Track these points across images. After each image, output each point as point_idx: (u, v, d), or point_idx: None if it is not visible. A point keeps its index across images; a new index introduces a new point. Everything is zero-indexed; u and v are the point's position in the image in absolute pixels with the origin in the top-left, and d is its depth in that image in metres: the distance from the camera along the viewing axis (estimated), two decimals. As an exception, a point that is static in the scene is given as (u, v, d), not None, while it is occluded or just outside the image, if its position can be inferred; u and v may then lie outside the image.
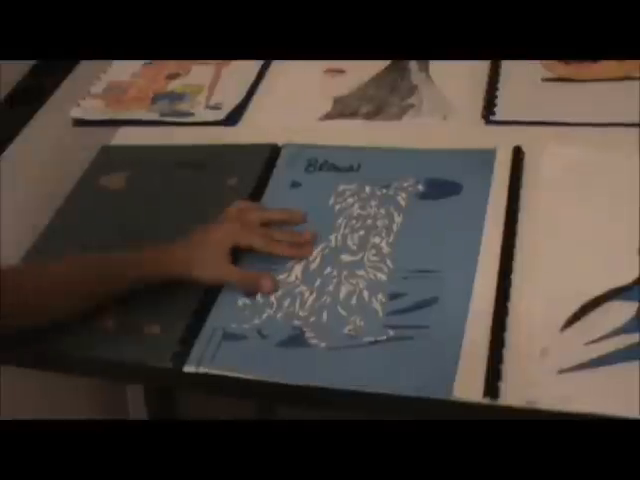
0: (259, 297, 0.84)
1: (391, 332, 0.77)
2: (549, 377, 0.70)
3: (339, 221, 0.90)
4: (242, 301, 0.84)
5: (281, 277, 0.85)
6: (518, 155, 0.91)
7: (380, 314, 0.79)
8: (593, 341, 0.71)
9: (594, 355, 0.70)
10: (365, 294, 0.81)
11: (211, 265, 0.85)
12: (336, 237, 0.88)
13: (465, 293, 0.78)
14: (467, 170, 0.91)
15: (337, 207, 0.92)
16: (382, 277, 0.82)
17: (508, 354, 0.72)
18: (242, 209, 0.91)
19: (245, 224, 0.89)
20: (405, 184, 0.91)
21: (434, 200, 0.89)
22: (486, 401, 0.69)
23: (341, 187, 0.94)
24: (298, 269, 0.86)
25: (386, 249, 0.85)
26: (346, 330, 0.78)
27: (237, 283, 0.85)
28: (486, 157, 0.92)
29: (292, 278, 0.85)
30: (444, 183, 0.88)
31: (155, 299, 0.86)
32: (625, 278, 0.75)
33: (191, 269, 0.84)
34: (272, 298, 0.83)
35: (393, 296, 0.80)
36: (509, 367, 0.71)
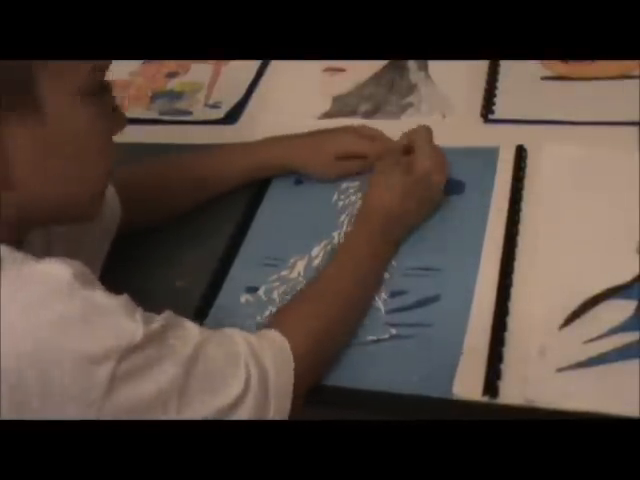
0: (261, 293, 0.84)
1: (393, 330, 0.77)
2: (548, 375, 0.70)
3: (342, 218, 0.90)
4: (245, 297, 0.84)
5: (283, 273, 0.85)
6: (521, 154, 0.91)
7: (382, 312, 0.79)
8: (592, 339, 0.71)
9: (593, 353, 0.70)
10: None
11: (322, 166, 0.93)
12: (339, 234, 0.88)
13: (467, 291, 0.78)
14: (470, 169, 0.91)
15: (340, 204, 0.92)
16: (385, 274, 0.82)
17: (507, 352, 0.72)
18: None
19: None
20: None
21: None
22: (485, 399, 0.69)
23: (344, 184, 0.94)
24: (301, 265, 0.86)
25: None
26: None
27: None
28: (489, 156, 0.92)
29: (294, 274, 0.85)
30: (447, 181, 0.89)
31: (158, 295, 0.86)
32: (624, 276, 0.75)
33: (301, 163, 0.94)
34: (274, 295, 0.83)
35: (395, 293, 0.81)
36: (508, 365, 0.71)
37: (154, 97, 1.17)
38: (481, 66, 1.05)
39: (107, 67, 0.66)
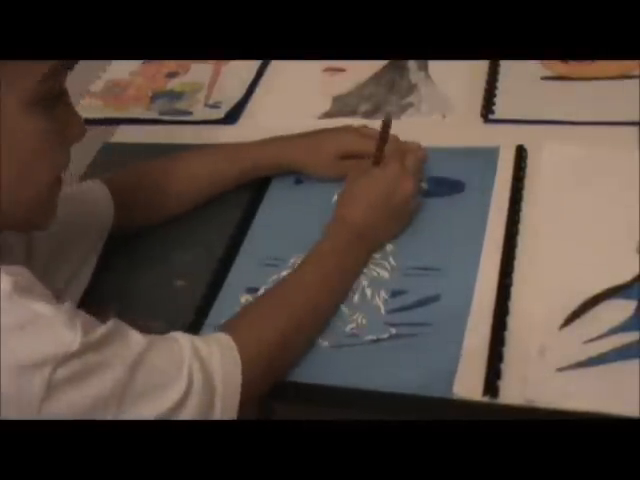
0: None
1: (393, 330, 0.77)
2: (548, 375, 0.70)
3: None
4: (245, 298, 0.84)
5: (284, 274, 0.85)
6: (521, 154, 0.91)
7: (382, 311, 0.79)
8: (592, 339, 0.71)
9: (593, 353, 0.70)
10: (368, 291, 0.81)
11: (323, 164, 0.93)
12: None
13: (467, 291, 0.78)
14: (470, 169, 0.91)
15: None
16: (384, 274, 0.83)
17: (507, 352, 0.72)
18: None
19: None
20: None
21: (437, 198, 0.90)
22: (486, 399, 0.69)
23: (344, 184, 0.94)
24: (300, 266, 0.85)
25: (388, 246, 0.85)
26: (349, 328, 0.78)
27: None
28: (489, 155, 0.92)
29: (294, 276, 0.85)
30: (447, 181, 0.89)
31: (158, 295, 0.86)
32: (624, 276, 0.75)
33: (308, 164, 0.93)
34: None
35: (395, 293, 0.81)
36: (508, 365, 0.71)
37: (154, 97, 1.17)
38: (481, 66, 1.05)
39: (64, 74, 0.66)
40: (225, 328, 0.72)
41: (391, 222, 0.84)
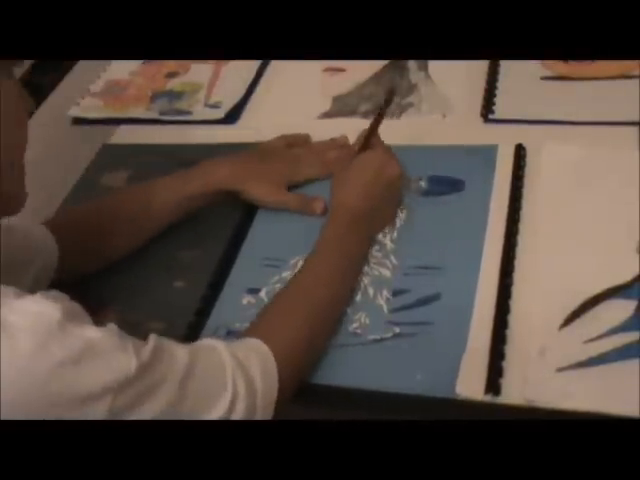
0: (263, 295, 0.84)
1: (396, 329, 0.77)
2: (548, 375, 0.70)
3: None
4: (247, 299, 0.84)
5: (285, 274, 0.85)
6: (520, 153, 0.91)
7: (385, 311, 0.79)
8: (592, 339, 0.71)
9: (593, 353, 0.70)
10: (370, 291, 0.81)
11: (268, 188, 0.91)
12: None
13: (468, 289, 0.78)
14: (470, 167, 0.91)
15: None
16: (386, 273, 0.83)
17: (508, 352, 0.72)
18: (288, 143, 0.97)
19: (298, 159, 0.94)
20: (408, 181, 0.91)
21: (437, 197, 0.90)
22: (487, 399, 0.69)
23: None
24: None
25: (390, 245, 0.85)
26: (352, 328, 0.78)
27: (294, 208, 0.91)
28: (488, 154, 0.92)
29: (296, 275, 0.84)
30: (447, 180, 0.89)
31: (159, 296, 0.86)
32: (624, 276, 0.75)
33: (244, 184, 0.90)
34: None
35: (397, 292, 0.81)
36: (509, 365, 0.71)
37: (154, 97, 1.17)
38: (481, 66, 1.05)
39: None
40: (252, 332, 0.72)
41: (384, 202, 0.86)
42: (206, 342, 0.68)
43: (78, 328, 0.57)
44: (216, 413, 0.63)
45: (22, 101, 0.67)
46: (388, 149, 0.86)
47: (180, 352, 0.63)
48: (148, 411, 0.59)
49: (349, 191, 0.83)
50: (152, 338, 0.62)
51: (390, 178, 0.85)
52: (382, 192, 0.84)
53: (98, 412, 0.56)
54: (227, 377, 0.64)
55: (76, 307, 0.61)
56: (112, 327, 0.60)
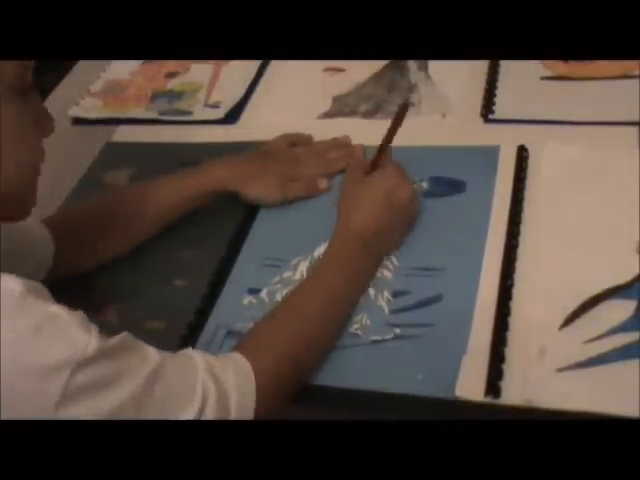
0: (264, 295, 0.84)
1: (397, 330, 0.77)
2: (548, 375, 0.70)
3: None
4: (247, 299, 0.84)
5: (286, 275, 0.85)
6: (522, 154, 0.91)
7: (386, 312, 0.79)
8: (592, 339, 0.71)
9: (593, 353, 0.70)
10: (371, 292, 0.81)
11: (268, 188, 0.92)
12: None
13: (469, 291, 0.78)
14: (471, 168, 0.91)
15: None
16: (387, 274, 0.83)
17: (508, 352, 0.72)
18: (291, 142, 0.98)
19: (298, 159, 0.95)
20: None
21: (438, 198, 0.89)
22: (488, 400, 0.69)
23: None
24: (303, 266, 0.85)
25: None
26: (352, 329, 0.78)
27: (300, 194, 0.92)
28: (490, 155, 0.92)
29: (297, 276, 0.85)
30: (448, 181, 0.89)
31: (159, 294, 0.86)
32: (624, 276, 0.75)
33: (245, 185, 0.91)
34: (277, 297, 0.83)
35: (397, 294, 0.81)
36: (509, 366, 0.71)
37: (154, 97, 1.17)
38: (481, 66, 1.05)
39: (31, 66, 0.65)
40: (239, 347, 0.72)
41: (395, 227, 0.84)
42: (184, 351, 0.69)
43: (41, 301, 0.58)
44: (184, 418, 0.62)
45: (46, 120, 0.69)
46: (400, 169, 0.84)
47: (152, 352, 0.63)
48: (108, 398, 0.58)
49: (357, 211, 0.81)
50: (123, 333, 0.62)
51: (401, 201, 0.82)
52: (391, 215, 0.82)
53: (52, 386, 0.56)
54: (197, 384, 0.64)
55: (42, 287, 0.61)
56: (79, 312, 0.60)
